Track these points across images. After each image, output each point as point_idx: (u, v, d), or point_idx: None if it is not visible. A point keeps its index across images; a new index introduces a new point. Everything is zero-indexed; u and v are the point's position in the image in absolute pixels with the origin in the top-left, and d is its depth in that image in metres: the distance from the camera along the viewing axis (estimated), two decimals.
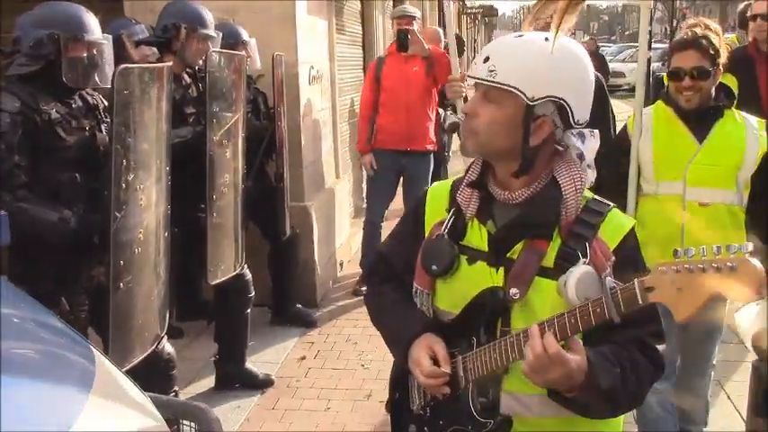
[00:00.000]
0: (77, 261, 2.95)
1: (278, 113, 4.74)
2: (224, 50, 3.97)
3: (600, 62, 14.27)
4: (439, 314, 1.86)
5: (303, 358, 4.63)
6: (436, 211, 1.90)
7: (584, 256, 1.66)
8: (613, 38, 66.56)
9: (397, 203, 6.27)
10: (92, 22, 2.95)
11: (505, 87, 1.67)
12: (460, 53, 5.26)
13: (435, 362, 1.75)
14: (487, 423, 1.75)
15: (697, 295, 1.44)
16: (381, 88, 5.83)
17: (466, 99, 3.05)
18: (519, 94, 1.66)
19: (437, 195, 1.93)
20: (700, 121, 2.97)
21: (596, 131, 1.80)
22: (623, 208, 2.71)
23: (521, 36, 1.78)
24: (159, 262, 3.10)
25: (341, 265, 6.50)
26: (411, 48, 5.69)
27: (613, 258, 1.68)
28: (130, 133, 2.74)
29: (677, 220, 2.94)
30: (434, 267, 1.81)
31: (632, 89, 3.77)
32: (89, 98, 3.06)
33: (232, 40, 4.53)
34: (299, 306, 5.23)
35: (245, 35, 4.74)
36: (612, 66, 24.62)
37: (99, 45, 2.96)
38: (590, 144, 1.81)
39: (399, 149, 5.80)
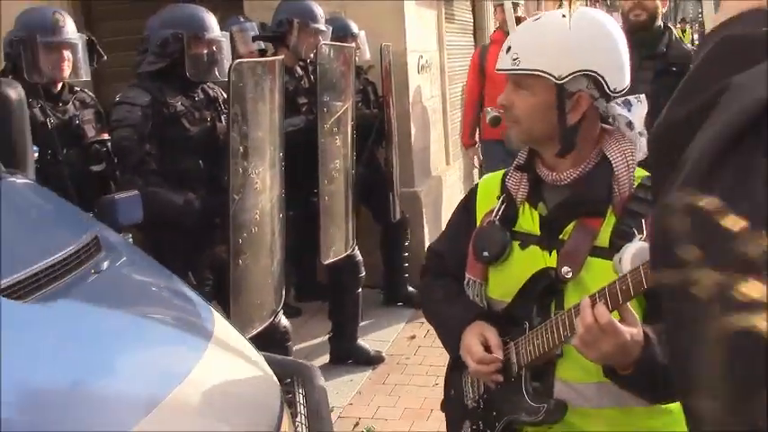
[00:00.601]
0: (202, 240, 3.23)
1: (386, 101, 4.92)
2: (333, 43, 4.17)
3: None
4: (492, 305, 1.81)
5: (413, 337, 4.81)
6: (487, 202, 1.87)
7: (640, 232, 1.60)
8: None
9: None
10: (211, 20, 3.22)
11: (531, 72, 1.66)
12: None
13: (487, 349, 1.71)
14: (540, 408, 1.69)
15: None
16: (486, 77, 5.74)
17: None
18: (546, 75, 1.65)
19: (488, 186, 1.91)
20: None
21: (642, 96, 1.74)
22: None
23: (537, 19, 1.77)
24: (275, 242, 3.34)
25: None
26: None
27: None
28: (246, 122, 2.98)
29: None
30: (486, 254, 1.78)
31: None
32: (210, 91, 3.34)
33: (342, 33, 4.74)
34: (410, 288, 5.40)
35: (354, 28, 4.94)
36: None
37: (218, 42, 3.22)
38: (638, 111, 1.76)
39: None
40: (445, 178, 6.57)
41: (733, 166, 0.57)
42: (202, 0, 4.26)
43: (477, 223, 1.84)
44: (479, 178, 7.72)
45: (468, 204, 1.92)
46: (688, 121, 0.63)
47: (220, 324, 1.79)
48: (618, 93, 1.67)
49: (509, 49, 1.67)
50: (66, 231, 1.74)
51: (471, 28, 8.70)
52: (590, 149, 1.71)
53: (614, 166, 1.68)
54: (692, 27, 25.01)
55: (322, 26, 4.20)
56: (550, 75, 1.63)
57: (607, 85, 1.65)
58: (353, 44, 4.62)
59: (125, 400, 1.31)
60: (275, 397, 1.59)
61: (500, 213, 1.79)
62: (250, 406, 1.52)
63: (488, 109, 3.49)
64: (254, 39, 4.23)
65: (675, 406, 1.70)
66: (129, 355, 1.45)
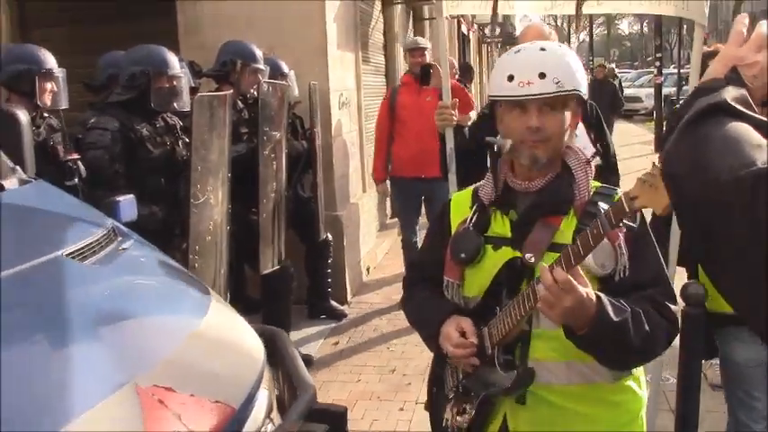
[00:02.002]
0: (162, 246, 3.71)
1: (314, 134, 5.50)
2: (272, 81, 4.74)
3: (612, 89, 14.68)
4: (467, 303, 1.98)
5: (337, 343, 5.36)
6: (460, 213, 2.06)
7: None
8: (636, 63, 66.96)
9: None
10: (173, 59, 3.75)
11: (573, 93, 1.86)
12: (470, 80, 5.45)
13: (463, 336, 1.90)
14: (510, 376, 1.86)
15: (664, 190, 1.56)
16: (396, 117, 5.99)
17: (456, 126, 3.29)
18: (581, 93, 1.88)
19: (460, 200, 2.11)
20: None
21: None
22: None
23: (544, 49, 1.92)
24: (222, 250, 3.86)
25: (367, 270, 7.23)
26: (432, 81, 5.75)
27: (625, 230, 1.78)
28: (204, 147, 3.51)
29: None
30: (463, 255, 1.95)
31: (649, 113, 4.31)
32: (168, 120, 3.85)
33: (274, 72, 5.31)
34: (333, 302, 5.95)
35: (285, 67, 5.52)
36: (630, 91, 25.31)
37: (179, 77, 3.76)
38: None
39: (415, 176, 5.88)
40: (362, 204, 7.19)
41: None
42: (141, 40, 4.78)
43: (452, 230, 2.04)
44: (391, 209, 8.35)
45: (442, 217, 2.12)
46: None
47: (212, 290, 2.33)
48: None
49: (543, 75, 1.82)
50: (94, 220, 2.24)
51: (384, 70, 9.44)
52: (557, 160, 1.94)
53: (575, 174, 1.91)
54: None
55: (261, 66, 4.77)
56: (582, 93, 1.90)
57: (585, 104, 1.98)
58: (285, 82, 5.19)
59: (168, 327, 1.85)
60: (260, 349, 2.12)
61: (473, 221, 1.99)
62: (243, 349, 2.05)
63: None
64: (202, 75, 4.75)
65: (636, 382, 1.95)
66: (162, 301, 1.98)
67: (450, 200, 2.17)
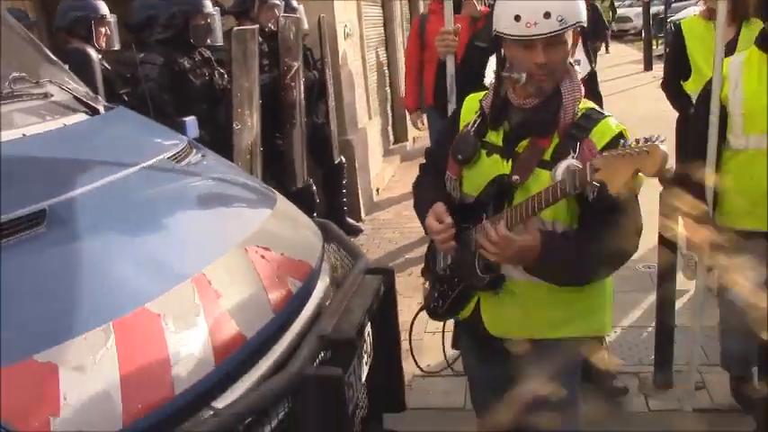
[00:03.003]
0: None
1: (325, 64, 5.95)
2: (288, 15, 5.17)
3: (596, 17, 14.83)
4: (464, 197, 2.22)
5: None
6: (468, 115, 2.26)
7: (575, 152, 1.90)
8: None
9: None
10: None
11: (576, 26, 1.99)
12: (458, 11, 5.01)
13: (439, 219, 2.15)
14: (485, 278, 2.15)
15: (625, 172, 1.72)
16: (426, 45, 5.74)
17: (456, 53, 3.30)
18: (583, 24, 2.01)
19: (470, 102, 2.30)
20: None
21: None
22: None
23: None
24: (258, 168, 4.37)
25: (377, 191, 7.75)
26: (464, 9, 5.31)
27: (598, 154, 1.85)
28: (241, 75, 3.99)
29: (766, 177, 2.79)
30: (460, 157, 2.17)
31: (638, 33, 4.72)
32: (204, 53, 4.31)
33: (286, 7, 5.72)
34: (350, 220, 6.48)
35: (294, 2, 5.93)
36: (621, 11, 25.40)
37: (212, 15, 4.21)
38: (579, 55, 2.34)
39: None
40: (369, 129, 7.66)
41: None
42: None
43: (460, 130, 2.24)
44: (393, 135, 8.76)
45: (454, 116, 2.35)
46: None
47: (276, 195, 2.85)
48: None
49: (548, 14, 1.94)
50: (173, 135, 2.72)
51: (380, 1, 9.78)
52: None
53: (564, 98, 2.06)
54: None
55: (277, 1, 5.20)
56: (584, 23, 2.02)
57: (585, 30, 2.10)
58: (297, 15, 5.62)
59: (254, 208, 2.38)
60: (317, 229, 2.64)
61: (475, 126, 2.19)
62: (307, 227, 2.57)
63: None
64: (224, 13, 5.18)
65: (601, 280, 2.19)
66: (244, 191, 2.51)
67: (464, 101, 2.35)
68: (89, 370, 1.44)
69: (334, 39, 6.50)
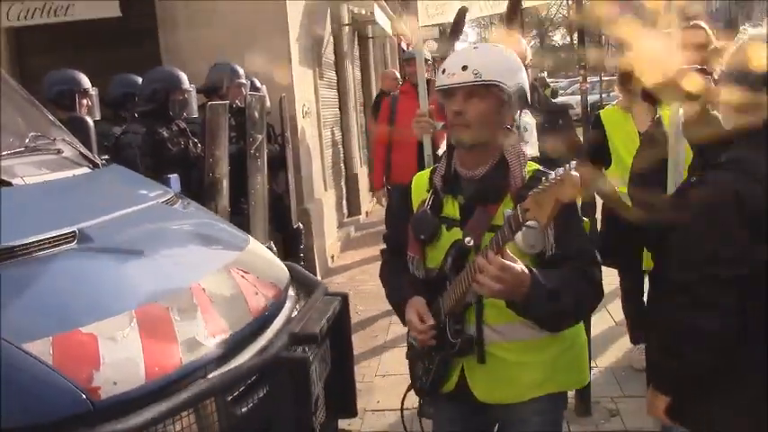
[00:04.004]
0: None
1: (285, 138, 6.53)
2: (254, 93, 5.78)
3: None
4: (428, 272, 2.25)
5: None
6: (419, 193, 2.32)
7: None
8: (570, 73, 68.98)
9: None
10: (184, 77, 4.77)
11: (491, 83, 2.05)
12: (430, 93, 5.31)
13: (422, 320, 2.18)
14: (455, 343, 2.16)
15: (548, 204, 1.77)
16: (396, 125, 5.98)
17: (432, 135, 3.50)
18: (503, 85, 2.07)
19: (419, 181, 2.37)
20: None
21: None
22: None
23: (477, 47, 2.18)
24: None
25: (332, 258, 8.27)
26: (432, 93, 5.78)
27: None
28: (214, 144, 4.54)
29: None
30: (422, 237, 2.22)
31: (580, 119, 4.81)
32: (180, 125, 4.86)
33: (252, 86, 6.34)
34: None
35: (257, 82, 6.55)
36: (563, 99, 26.86)
37: (189, 91, 4.78)
38: (529, 120, 2.64)
39: None
40: (324, 200, 8.24)
41: None
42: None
43: (414, 209, 2.30)
44: (347, 209, 9.36)
45: (405, 196, 2.38)
46: None
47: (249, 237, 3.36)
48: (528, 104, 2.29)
49: (465, 67, 2.05)
50: (163, 187, 3.24)
51: (336, 84, 10.53)
52: (497, 151, 2.17)
53: (510, 164, 2.14)
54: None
55: (244, 80, 5.81)
56: (505, 85, 2.08)
57: (528, 95, 2.20)
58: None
59: (232, 243, 2.89)
60: (283, 266, 3.15)
61: (430, 203, 2.25)
62: (275, 262, 3.08)
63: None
64: (198, 91, 5.76)
65: (568, 334, 2.21)
66: (222, 235, 3.03)
67: (411, 180, 2.41)
68: (119, 341, 1.92)
69: (293, 116, 7.12)
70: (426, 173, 2.37)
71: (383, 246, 2.56)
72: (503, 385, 2.21)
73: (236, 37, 6.90)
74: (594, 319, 3.53)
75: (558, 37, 78.85)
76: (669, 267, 2.02)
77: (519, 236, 1.97)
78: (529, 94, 2.23)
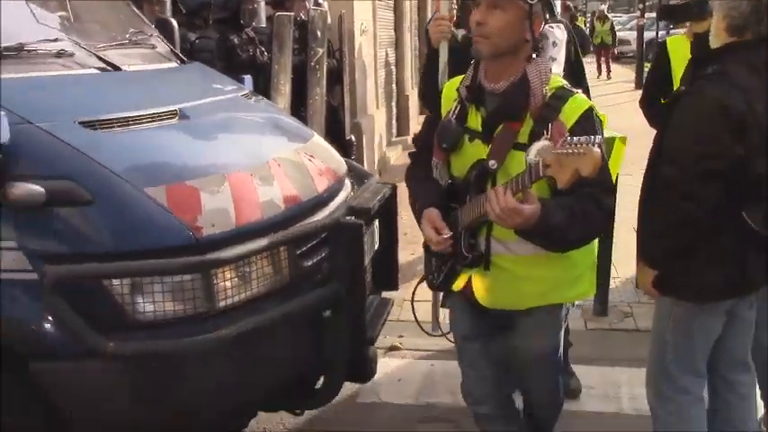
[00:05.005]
0: None
1: (343, 53, 6.92)
2: (317, 8, 6.16)
3: (580, 33, 15.78)
4: (453, 180, 2.36)
5: None
6: (449, 102, 2.40)
7: (547, 133, 1.94)
8: (631, 9, 67.14)
9: None
10: None
11: None
12: None
13: (438, 230, 2.29)
14: (467, 257, 2.30)
15: (569, 169, 1.84)
16: None
17: (451, 39, 3.39)
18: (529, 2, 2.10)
19: (449, 89, 2.46)
20: None
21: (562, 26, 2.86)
22: None
23: None
24: None
25: (379, 173, 8.73)
26: None
27: (567, 133, 1.91)
28: (280, 50, 4.97)
29: None
30: (445, 145, 2.30)
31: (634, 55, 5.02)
32: (249, 34, 5.30)
33: (314, 2, 6.71)
34: None
35: None
36: (621, 34, 26.48)
37: (258, 2, 5.20)
38: (559, 34, 2.74)
39: None
40: (376, 117, 8.66)
41: None
42: None
43: (442, 116, 2.38)
44: (396, 128, 9.74)
45: (437, 104, 2.48)
46: None
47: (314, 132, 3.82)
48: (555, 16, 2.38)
49: None
50: (240, 84, 3.68)
51: (393, 6, 10.80)
52: (519, 66, 2.19)
53: (531, 82, 2.16)
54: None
55: None
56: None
57: (553, 10, 2.25)
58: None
59: (301, 133, 3.35)
60: (342, 160, 3.60)
61: (456, 112, 2.30)
62: (336, 158, 3.53)
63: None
64: (267, 3, 6.17)
65: (573, 253, 2.28)
66: (291, 126, 3.49)
67: (442, 88, 2.53)
68: (216, 194, 2.41)
69: (351, 34, 7.49)
70: (457, 81, 2.42)
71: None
72: (505, 294, 2.37)
73: None
74: (617, 227, 3.88)
75: None
76: (661, 164, 2.41)
77: (532, 156, 1.99)
78: (554, 6, 2.28)
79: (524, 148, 2.08)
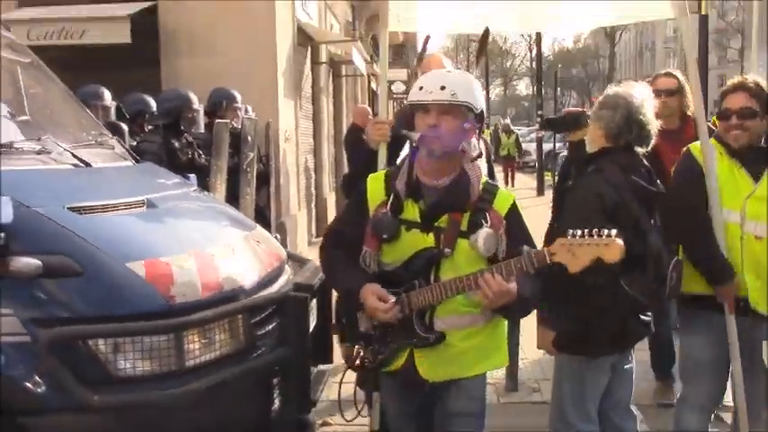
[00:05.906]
0: None
1: (269, 157, 7.44)
2: (249, 117, 6.71)
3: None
4: (384, 266, 2.55)
5: None
6: (376, 196, 2.57)
7: (486, 221, 2.31)
8: (531, 123, 71.10)
9: None
10: (194, 97, 5.70)
11: (464, 103, 2.36)
12: None
13: (382, 300, 2.44)
14: (429, 337, 2.48)
15: (586, 257, 2.17)
16: None
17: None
18: (472, 106, 2.39)
19: (375, 183, 2.63)
20: (752, 160, 3.13)
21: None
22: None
23: (450, 72, 2.60)
24: None
25: None
26: None
27: (504, 222, 2.38)
28: (218, 155, 5.45)
29: (737, 248, 3.16)
30: (385, 236, 2.46)
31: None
32: (188, 138, 5.77)
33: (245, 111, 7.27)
34: None
35: (249, 109, 7.47)
36: (524, 146, 28.14)
37: (198, 110, 5.71)
38: (481, 144, 2.82)
39: None
40: (297, 218, 9.15)
41: None
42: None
43: (370, 210, 2.56)
44: (316, 230, 10.24)
45: (360, 197, 2.67)
46: None
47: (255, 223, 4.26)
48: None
49: (443, 87, 2.35)
50: (187, 181, 4.13)
51: (312, 115, 11.51)
52: (458, 165, 2.47)
53: (471, 178, 2.47)
54: None
55: (240, 105, 6.74)
56: (473, 106, 2.41)
57: (483, 120, 2.52)
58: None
59: (242, 223, 3.80)
60: (282, 249, 4.05)
61: (390, 206, 2.50)
62: (277, 245, 3.98)
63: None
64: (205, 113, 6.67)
65: (498, 324, 2.63)
66: (238, 217, 3.93)
67: (365, 182, 2.67)
68: (185, 268, 2.81)
69: (276, 140, 8.05)
70: (380, 177, 2.64)
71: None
72: (448, 366, 2.57)
73: (231, 67, 7.83)
74: None
75: (522, 86, 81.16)
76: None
77: (480, 242, 2.37)
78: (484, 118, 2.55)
79: (466, 235, 2.41)
